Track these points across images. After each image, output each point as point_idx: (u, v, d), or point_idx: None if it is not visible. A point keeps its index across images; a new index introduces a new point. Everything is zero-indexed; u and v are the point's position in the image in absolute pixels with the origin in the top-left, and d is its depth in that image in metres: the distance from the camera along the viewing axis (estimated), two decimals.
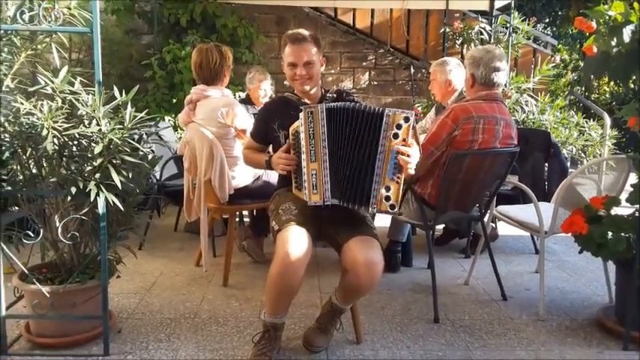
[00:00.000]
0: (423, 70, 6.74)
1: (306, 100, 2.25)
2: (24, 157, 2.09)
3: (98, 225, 2.06)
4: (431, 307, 2.50)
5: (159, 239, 3.73)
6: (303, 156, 1.97)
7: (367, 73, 6.90)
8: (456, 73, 3.36)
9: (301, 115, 1.95)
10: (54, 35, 2.23)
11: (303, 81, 2.19)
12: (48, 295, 2.06)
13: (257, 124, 2.40)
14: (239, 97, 4.32)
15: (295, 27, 6.56)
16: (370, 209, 1.95)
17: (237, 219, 3.49)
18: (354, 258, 1.92)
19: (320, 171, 1.96)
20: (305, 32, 2.21)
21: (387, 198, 1.92)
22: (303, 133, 1.95)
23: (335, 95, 2.28)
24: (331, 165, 1.96)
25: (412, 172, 1.93)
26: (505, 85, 4.70)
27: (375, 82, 6.90)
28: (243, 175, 2.93)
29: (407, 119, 1.89)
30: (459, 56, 6.06)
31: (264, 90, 3.89)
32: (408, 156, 1.89)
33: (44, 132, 1.94)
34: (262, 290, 2.75)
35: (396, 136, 1.90)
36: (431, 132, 2.53)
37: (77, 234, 2.09)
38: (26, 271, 2.13)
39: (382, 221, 2.91)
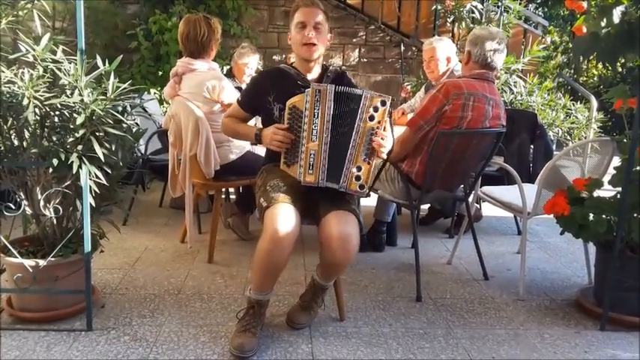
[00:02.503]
0: (414, 48, 6.68)
1: (307, 76, 2.18)
2: (5, 127, 2.04)
3: (81, 198, 2.02)
4: (414, 285, 2.53)
5: (143, 214, 3.70)
6: (304, 134, 1.96)
7: (357, 50, 6.82)
8: (453, 50, 3.38)
9: (308, 91, 1.94)
10: (36, 2, 2.16)
11: (310, 46, 2.11)
12: (30, 269, 2.03)
13: (248, 93, 2.29)
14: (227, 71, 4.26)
15: (285, 0, 6.47)
16: (339, 186, 1.96)
17: (223, 195, 3.47)
18: (329, 232, 1.93)
19: (319, 152, 1.96)
20: (318, 1, 2.18)
21: (358, 177, 1.95)
22: (307, 111, 1.95)
23: (334, 76, 2.23)
24: (331, 147, 1.96)
25: (384, 156, 1.98)
26: None
27: (365, 60, 6.83)
28: (235, 149, 2.89)
29: (384, 103, 1.93)
30: (450, 35, 6.02)
31: (251, 69, 3.84)
32: (382, 139, 1.94)
33: (25, 101, 1.89)
34: (247, 267, 2.76)
35: (372, 118, 1.94)
36: (421, 106, 2.52)
37: (59, 207, 2.06)
38: (8, 245, 2.10)
39: (368, 201, 2.91)
